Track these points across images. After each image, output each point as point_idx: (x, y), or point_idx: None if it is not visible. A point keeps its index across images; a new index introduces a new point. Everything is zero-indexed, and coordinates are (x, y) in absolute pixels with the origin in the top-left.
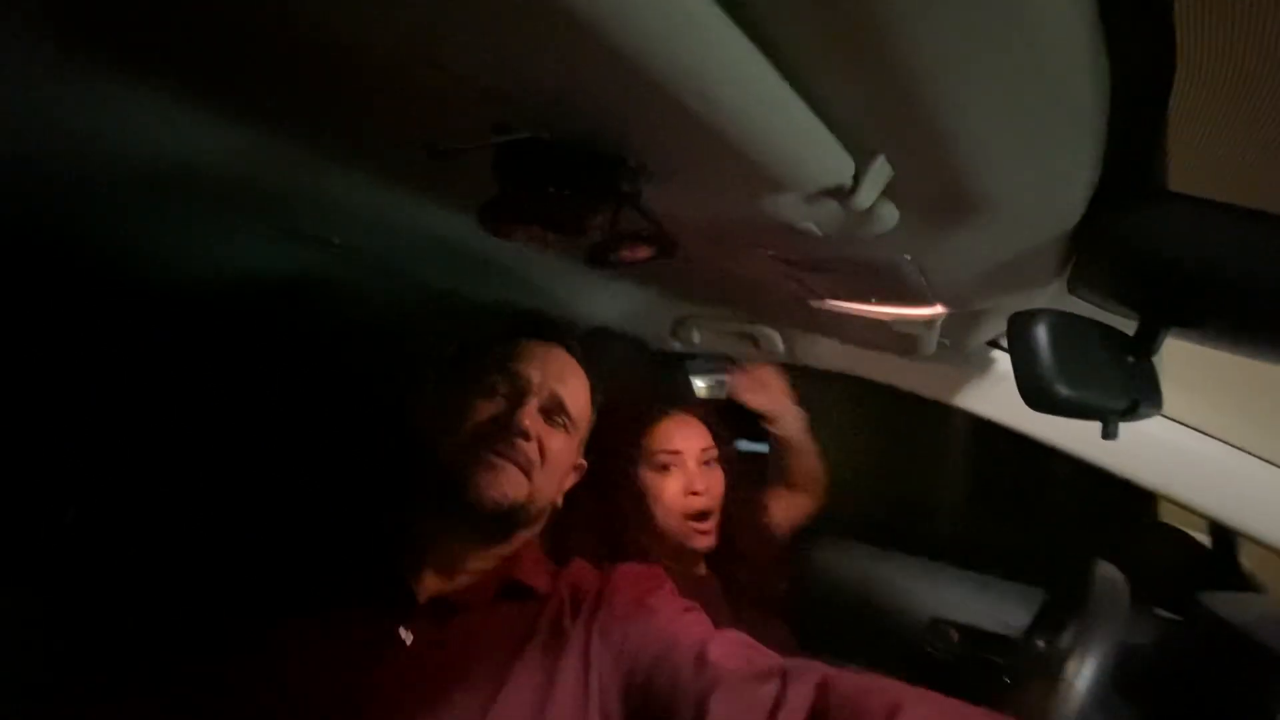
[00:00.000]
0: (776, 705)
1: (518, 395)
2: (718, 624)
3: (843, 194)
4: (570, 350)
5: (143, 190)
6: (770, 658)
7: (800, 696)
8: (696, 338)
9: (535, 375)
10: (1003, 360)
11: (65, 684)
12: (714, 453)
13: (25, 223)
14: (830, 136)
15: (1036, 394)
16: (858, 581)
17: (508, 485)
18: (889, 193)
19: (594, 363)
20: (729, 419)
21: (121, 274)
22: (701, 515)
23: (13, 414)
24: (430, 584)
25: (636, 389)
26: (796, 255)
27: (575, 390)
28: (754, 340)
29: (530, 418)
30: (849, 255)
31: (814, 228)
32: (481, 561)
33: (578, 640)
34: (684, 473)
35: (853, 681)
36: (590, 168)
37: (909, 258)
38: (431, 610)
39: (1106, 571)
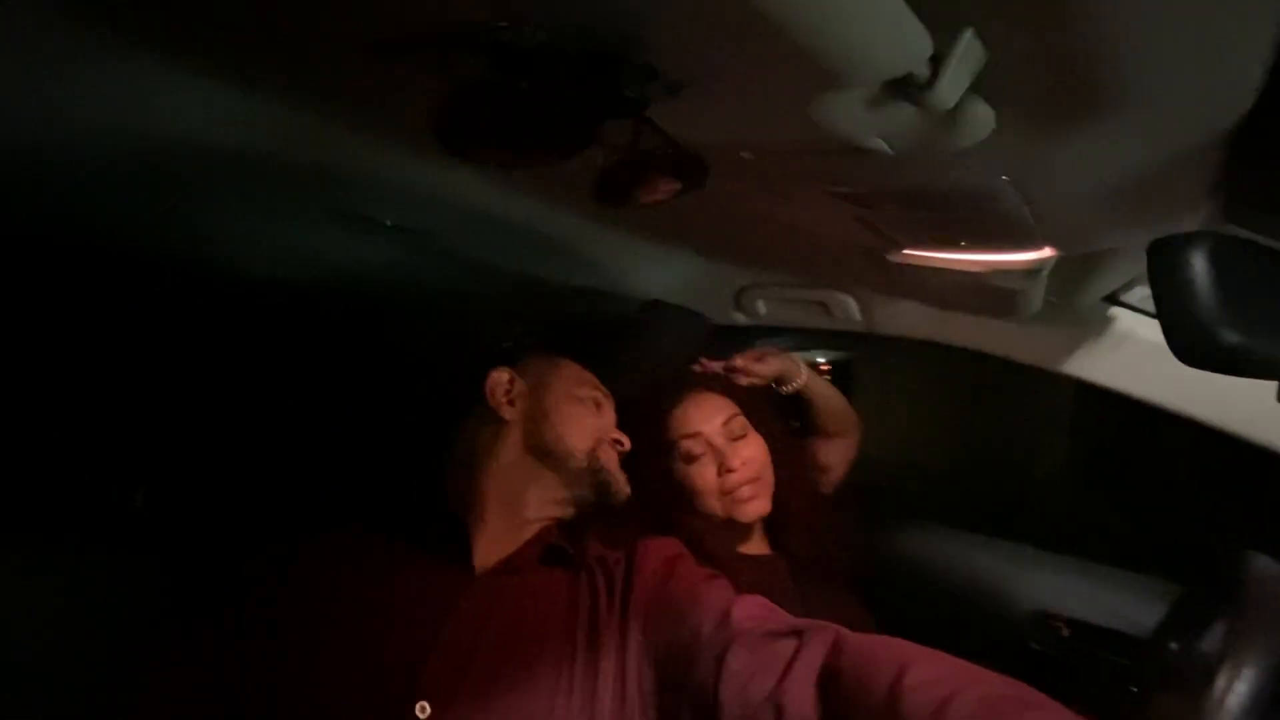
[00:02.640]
0: (792, 660)
1: (606, 409)
2: (790, 608)
3: (917, 89)
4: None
5: (187, 174)
6: (789, 618)
7: (814, 653)
8: (762, 309)
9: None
10: (1124, 318)
11: (149, 634)
12: (741, 420)
13: (84, 215)
14: (897, 2)
15: (1195, 346)
16: (951, 570)
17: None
18: (980, 86)
19: (644, 342)
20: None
21: (175, 260)
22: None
23: (91, 402)
24: (487, 552)
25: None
26: (865, 189)
27: None
28: (826, 308)
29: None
30: (930, 184)
31: (883, 144)
32: (531, 534)
33: (614, 613)
34: (713, 454)
35: (865, 640)
36: (581, 68)
37: (1008, 179)
38: (488, 575)
39: (1263, 566)
